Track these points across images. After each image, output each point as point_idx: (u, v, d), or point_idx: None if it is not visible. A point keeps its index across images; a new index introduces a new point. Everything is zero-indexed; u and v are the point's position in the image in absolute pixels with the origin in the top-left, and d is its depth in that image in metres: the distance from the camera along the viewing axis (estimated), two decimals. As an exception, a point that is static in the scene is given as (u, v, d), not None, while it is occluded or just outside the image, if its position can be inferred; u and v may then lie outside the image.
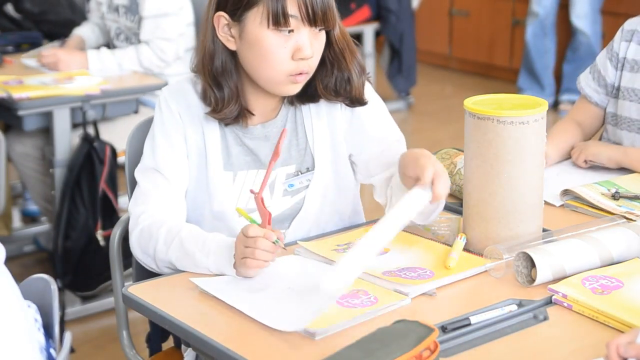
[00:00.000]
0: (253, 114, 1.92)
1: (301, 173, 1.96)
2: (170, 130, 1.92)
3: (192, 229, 1.83)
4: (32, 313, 1.48)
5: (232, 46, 1.86)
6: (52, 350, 1.50)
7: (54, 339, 1.53)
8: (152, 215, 1.87)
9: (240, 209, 1.77)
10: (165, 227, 1.83)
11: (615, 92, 2.39)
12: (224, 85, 1.88)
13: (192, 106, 1.92)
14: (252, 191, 1.76)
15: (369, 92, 1.98)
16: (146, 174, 1.92)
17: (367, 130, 1.97)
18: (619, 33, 2.42)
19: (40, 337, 1.46)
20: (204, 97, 1.90)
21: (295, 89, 1.88)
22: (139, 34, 3.57)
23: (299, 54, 1.82)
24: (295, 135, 1.96)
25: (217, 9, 1.85)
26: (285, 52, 1.82)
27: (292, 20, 1.80)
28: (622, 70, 2.38)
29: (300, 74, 1.84)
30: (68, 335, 1.52)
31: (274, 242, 1.68)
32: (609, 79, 2.40)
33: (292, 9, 1.80)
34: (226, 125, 1.92)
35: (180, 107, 1.92)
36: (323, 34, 1.86)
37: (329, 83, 1.92)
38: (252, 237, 1.67)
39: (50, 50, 3.55)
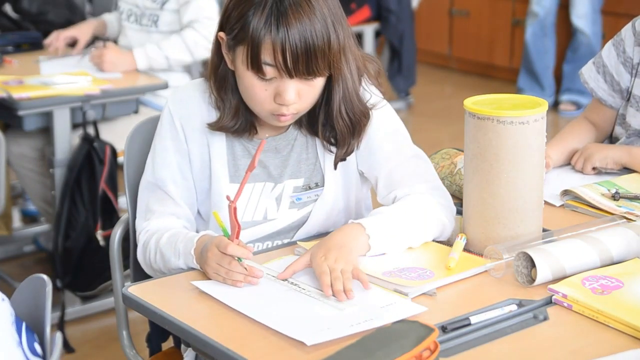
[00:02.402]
0: (256, 132, 1.90)
1: (310, 188, 1.93)
2: (170, 146, 1.90)
3: (173, 232, 1.84)
4: (5, 307, 1.48)
5: (230, 66, 1.83)
6: (36, 345, 1.50)
7: (45, 338, 1.53)
8: (148, 230, 1.89)
9: (216, 214, 1.74)
10: (155, 238, 1.86)
11: (628, 96, 2.33)
12: (224, 99, 1.86)
13: (197, 115, 1.90)
14: (228, 198, 1.73)
15: (383, 109, 1.94)
16: (147, 189, 1.92)
17: (375, 149, 1.92)
18: (629, 35, 2.30)
19: (14, 331, 1.46)
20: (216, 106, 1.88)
21: (283, 124, 1.85)
22: (155, 15, 3.55)
23: (279, 99, 1.77)
24: (305, 149, 1.93)
25: (220, 28, 1.82)
26: (267, 94, 1.78)
27: (268, 69, 1.74)
28: (635, 76, 2.30)
29: (284, 114, 1.80)
30: (59, 337, 1.52)
31: (238, 260, 1.67)
32: (623, 84, 2.33)
33: (267, 57, 1.73)
34: (233, 135, 1.89)
35: (183, 118, 1.90)
36: (317, 80, 1.79)
37: (329, 135, 1.88)
38: (227, 256, 1.67)
39: (98, 51, 3.52)
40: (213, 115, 1.89)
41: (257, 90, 1.78)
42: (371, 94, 1.93)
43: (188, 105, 1.91)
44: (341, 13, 1.81)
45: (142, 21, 3.61)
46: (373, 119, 1.91)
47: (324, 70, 1.77)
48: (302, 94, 1.79)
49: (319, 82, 1.80)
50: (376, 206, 1.91)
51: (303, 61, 1.73)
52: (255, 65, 1.75)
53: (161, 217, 1.89)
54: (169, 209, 1.90)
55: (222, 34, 1.81)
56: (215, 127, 1.87)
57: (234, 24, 1.77)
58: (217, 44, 1.84)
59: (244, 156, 1.92)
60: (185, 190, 1.91)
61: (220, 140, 1.90)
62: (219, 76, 1.86)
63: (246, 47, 1.75)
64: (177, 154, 1.90)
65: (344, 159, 1.91)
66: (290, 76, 1.75)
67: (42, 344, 1.53)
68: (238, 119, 1.87)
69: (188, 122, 1.90)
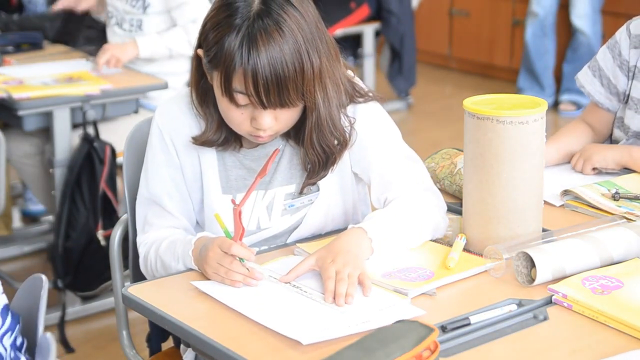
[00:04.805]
0: (241, 144, 1.89)
1: (303, 193, 1.92)
2: (162, 160, 1.89)
3: (171, 239, 1.85)
4: None
5: (211, 81, 1.81)
6: (19, 339, 1.51)
7: (37, 337, 1.53)
8: (147, 242, 1.90)
9: (217, 215, 1.74)
10: (154, 247, 1.87)
11: (626, 99, 2.33)
12: (207, 113, 1.85)
13: (186, 128, 1.89)
14: (233, 201, 1.74)
15: (375, 111, 1.92)
16: (143, 204, 1.93)
17: (367, 151, 1.90)
18: (624, 37, 2.30)
19: None
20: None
21: (263, 142, 1.85)
22: (138, 19, 3.54)
23: (256, 124, 1.76)
24: (296, 155, 1.91)
25: (198, 45, 1.80)
26: (243, 117, 1.77)
27: (241, 97, 1.73)
28: (632, 79, 2.30)
29: (262, 136, 1.79)
30: (50, 337, 1.52)
31: (240, 261, 1.67)
32: (620, 87, 2.33)
33: (239, 86, 1.72)
34: (220, 148, 1.88)
35: (172, 133, 1.89)
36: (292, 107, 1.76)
37: (308, 159, 1.86)
38: (229, 255, 1.67)
39: (103, 55, 3.47)
40: (201, 127, 1.88)
41: (233, 114, 1.77)
42: (359, 92, 1.91)
43: (175, 119, 1.90)
44: (319, 35, 1.77)
45: (123, 25, 3.60)
46: (363, 119, 1.90)
47: (298, 101, 1.75)
48: (279, 117, 1.78)
49: (295, 108, 1.78)
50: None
51: (275, 93, 1.71)
52: (228, 94, 1.74)
53: (160, 230, 1.90)
54: (167, 222, 1.90)
55: (200, 51, 1.79)
56: (199, 141, 1.86)
57: (211, 46, 1.74)
58: (198, 60, 1.81)
59: (235, 167, 1.91)
60: (181, 202, 1.91)
61: (210, 152, 1.89)
62: (200, 91, 1.84)
63: (220, 73, 1.73)
64: (170, 168, 1.90)
65: (313, 184, 1.91)
66: (264, 107, 1.73)
67: (35, 344, 1.54)
68: (221, 133, 1.86)
69: (177, 136, 1.89)
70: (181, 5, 3.49)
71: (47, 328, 1.58)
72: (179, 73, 3.60)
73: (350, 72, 1.91)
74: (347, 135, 1.86)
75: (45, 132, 3.38)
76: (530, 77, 5.81)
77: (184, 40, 3.49)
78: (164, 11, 3.55)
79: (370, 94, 1.92)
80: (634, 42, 2.29)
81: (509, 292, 1.67)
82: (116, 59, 3.46)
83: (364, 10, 5.65)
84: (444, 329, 1.53)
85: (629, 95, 2.32)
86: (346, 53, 5.45)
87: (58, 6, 3.95)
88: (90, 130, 3.30)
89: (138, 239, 1.94)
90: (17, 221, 4.05)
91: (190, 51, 3.45)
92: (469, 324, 1.55)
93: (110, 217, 3.35)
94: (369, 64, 5.71)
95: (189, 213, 1.93)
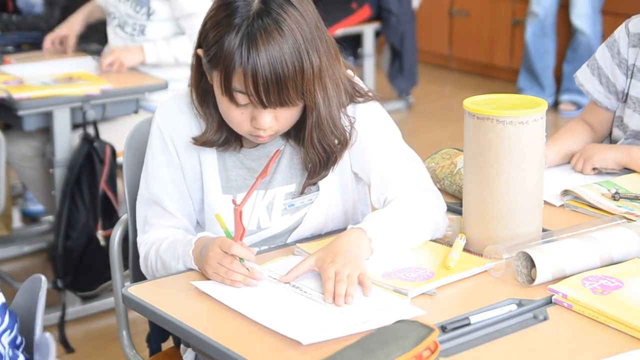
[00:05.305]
0: (242, 144, 1.89)
1: (303, 193, 1.92)
2: (162, 160, 1.89)
3: (171, 239, 1.85)
4: None
5: (210, 81, 1.81)
6: (19, 338, 1.51)
7: (35, 337, 1.53)
8: (147, 242, 1.90)
9: (218, 215, 1.75)
10: (154, 247, 1.87)
11: (625, 97, 2.33)
12: (207, 113, 1.85)
13: (186, 128, 1.88)
14: (234, 202, 1.74)
15: (375, 110, 1.92)
16: (143, 204, 1.93)
17: (367, 150, 1.90)
18: (623, 36, 2.31)
19: None
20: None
21: (263, 142, 1.84)
22: (141, 24, 3.54)
23: (255, 123, 1.77)
24: (297, 154, 1.91)
25: (198, 45, 1.81)
26: (243, 117, 1.77)
27: (240, 96, 1.73)
28: (631, 77, 2.30)
29: (262, 136, 1.80)
30: (49, 337, 1.52)
31: (240, 261, 1.67)
32: (619, 86, 2.33)
33: (239, 86, 1.72)
34: (220, 148, 1.88)
35: (172, 133, 1.89)
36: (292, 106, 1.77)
37: (308, 158, 1.86)
38: (229, 255, 1.67)
39: (110, 56, 3.48)
40: (201, 127, 1.88)
41: (233, 114, 1.77)
42: (358, 94, 1.90)
43: (175, 119, 1.90)
44: (319, 35, 1.77)
45: (125, 28, 3.59)
46: (363, 119, 1.90)
47: (297, 101, 1.75)
48: (279, 117, 1.78)
49: (295, 107, 1.78)
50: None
51: (274, 92, 1.71)
52: (228, 93, 1.74)
53: (160, 230, 1.90)
54: (167, 223, 1.91)
55: (200, 51, 1.80)
56: (199, 141, 1.86)
57: (211, 46, 1.75)
58: (198, 60, 1.82)
59: (236, 167, 1.91)
60: (181, 202, 1.91)
61: (210, 152, 1.89)
62: (200, 91, 1.85)
63: (220, 73, 1.73)
64: (170, 168, 1.90)
65: (314, 184, 1.91)
66: (264, 107, 1.73)
67: (32, 344, 1.54)
68: (222, 133, 1.86)
69: (177, 136, 1.89)
70: (189, 16, 3.48)
71: (47, 328, 1.58)
72: (181, 79, 3.60)
73: (350, 72, 1.91)
74: (348, 134, 1.87)
75: (45, 133, 3.39)
76: (530, 77, 5.81)
77: (191, 50, 3.47)
78: (168, 19, 3.55)
79: (370, 94, 1.92)
80: (633, 41, 2.29)
81: (509, 292, 1.67)
82: (120, 63, 3.46)
83: (365, 11, 5.65)
84: (444, 329, 1.53)
85: (627, 94, 2.32)
86: (346, 53, 5.47)
87: (52, 47, 3.79)
88: (90, 130, 3.30)
89: (138, 239, 1.94)
90: (17, 221, 4.05)
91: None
92: (469, 324, 1.55)
93: (110, 217, 3.35)
94: (369, 64, 5.71)
95: (189, 213, 1.93)
